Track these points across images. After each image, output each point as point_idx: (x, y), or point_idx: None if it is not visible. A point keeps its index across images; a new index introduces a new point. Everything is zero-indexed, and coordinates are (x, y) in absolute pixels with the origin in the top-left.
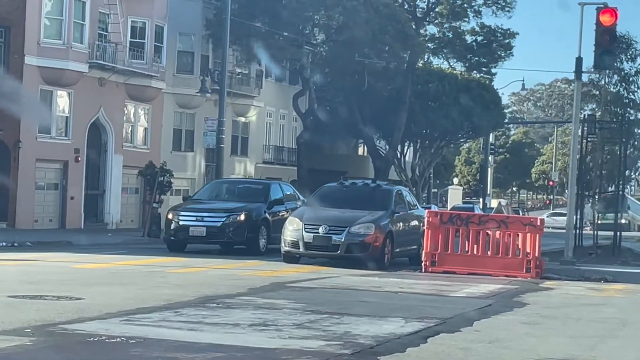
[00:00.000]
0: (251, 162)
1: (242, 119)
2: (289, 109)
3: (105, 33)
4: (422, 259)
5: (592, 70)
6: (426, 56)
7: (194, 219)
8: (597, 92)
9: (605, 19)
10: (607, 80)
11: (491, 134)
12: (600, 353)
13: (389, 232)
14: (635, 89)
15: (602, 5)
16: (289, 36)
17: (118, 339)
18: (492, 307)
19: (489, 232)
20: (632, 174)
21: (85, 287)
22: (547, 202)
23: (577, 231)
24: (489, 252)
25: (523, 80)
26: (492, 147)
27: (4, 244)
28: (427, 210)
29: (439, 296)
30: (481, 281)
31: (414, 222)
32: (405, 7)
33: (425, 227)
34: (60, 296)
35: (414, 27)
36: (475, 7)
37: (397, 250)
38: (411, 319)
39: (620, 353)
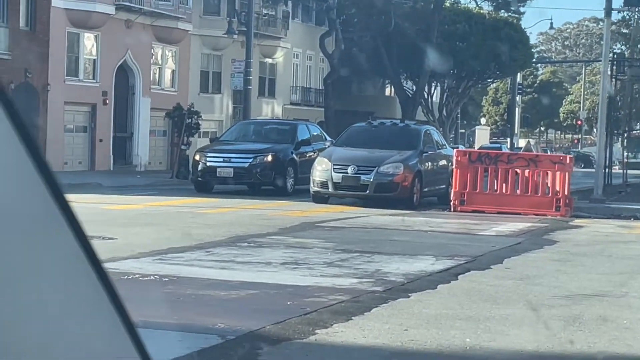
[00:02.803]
0: (278, 104)
1: (269, 61)
2: (315, 50)
3: None
4: (451, 198)
5: (622, 7)
6: None
7: (221, 160)
8: (627, 31)
9: None
10: (637, 18)
11: (519, 74)
12: (632, 289)
13: (418, 172)
14: None
15: None
16: None
17: (151, 277)
18: (521, 245)
19: (518, 170)
20: None
21: (116, 228)
22: (575, 141)
23: (607, 170)
24: (518, 191)
25: (551, 19)
26: (520, 87)
27: None
28: (455, 150)
29: (468, 235)
30: (510, 220)
31: (443, 162)
32: None
33: (454, 167)
34: (93, 236)
35: None
36: None
37: (426, 189)
38: (441, 257)
39: None
